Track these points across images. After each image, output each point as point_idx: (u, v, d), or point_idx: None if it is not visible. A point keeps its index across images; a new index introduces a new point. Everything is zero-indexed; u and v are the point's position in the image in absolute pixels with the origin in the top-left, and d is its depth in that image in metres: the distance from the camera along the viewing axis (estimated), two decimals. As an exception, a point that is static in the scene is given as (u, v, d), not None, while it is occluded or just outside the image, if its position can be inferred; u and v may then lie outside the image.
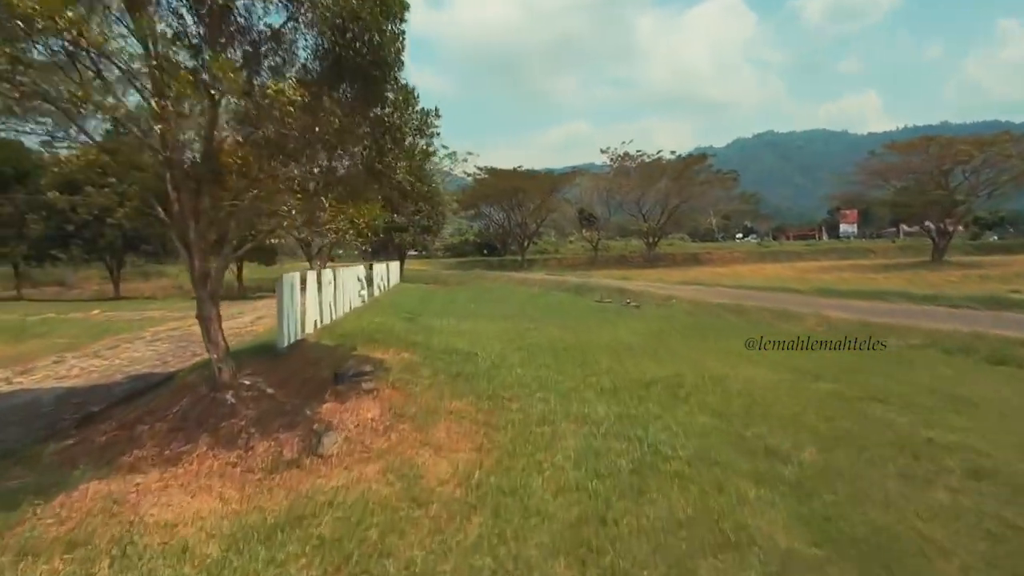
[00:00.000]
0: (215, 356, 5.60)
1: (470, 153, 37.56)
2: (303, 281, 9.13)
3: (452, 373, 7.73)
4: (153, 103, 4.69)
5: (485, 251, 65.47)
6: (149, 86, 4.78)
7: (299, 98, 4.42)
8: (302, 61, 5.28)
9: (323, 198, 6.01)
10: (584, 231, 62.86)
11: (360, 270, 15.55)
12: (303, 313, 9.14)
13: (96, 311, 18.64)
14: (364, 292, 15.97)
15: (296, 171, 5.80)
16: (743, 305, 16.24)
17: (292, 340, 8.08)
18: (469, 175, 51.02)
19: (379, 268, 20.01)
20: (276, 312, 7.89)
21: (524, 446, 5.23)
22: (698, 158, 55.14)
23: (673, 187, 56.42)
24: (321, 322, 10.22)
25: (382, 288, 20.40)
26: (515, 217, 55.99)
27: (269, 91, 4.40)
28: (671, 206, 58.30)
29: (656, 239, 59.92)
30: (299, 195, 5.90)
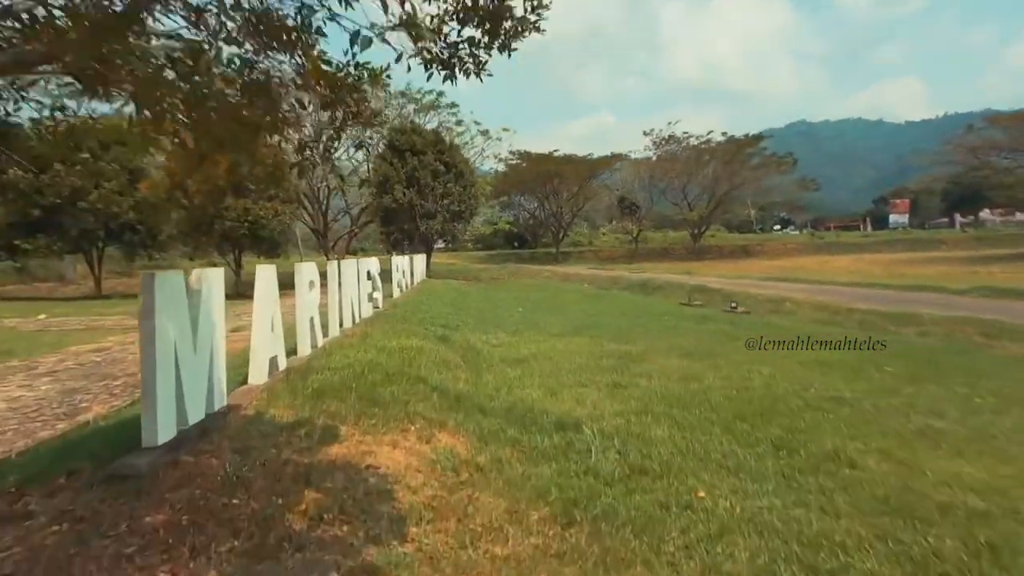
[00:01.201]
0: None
1: (505, 130, 33.13)
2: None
3: (562, 511, 3.23)
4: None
5: (515, 243, 60.94)
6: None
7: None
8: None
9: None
10: (622, 221, 57.81)
11: (371, 264, 11.19)
12: (221, 357, 4.72)
13: (42, 316, 14.64)
14: (377, 294, 11.60)
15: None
16: (918, 315, 11.36)
17: (190, 422, 3.57)
18: (500, 159, 46.47)
19: (400, 262, 15.63)
20: (141, 359, 3.27)
21: None
22: (752, 140, 49.64)
23: (723, 172, 51.05)
24: (284, 360, 5.81)
25: (403, 286, 16.05)
26: (549, 206, 51.27)
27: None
28: (720, 193, 52.93)
29: (703, 229, 54.59)
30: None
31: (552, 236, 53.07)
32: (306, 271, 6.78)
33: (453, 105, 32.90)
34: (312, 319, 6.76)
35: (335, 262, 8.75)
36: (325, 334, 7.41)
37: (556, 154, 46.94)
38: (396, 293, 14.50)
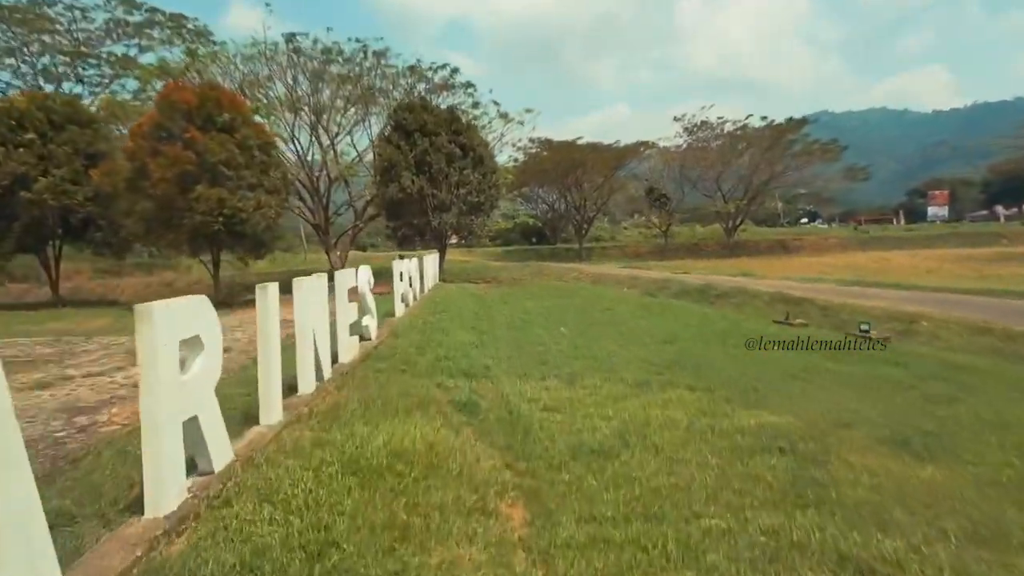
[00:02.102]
0: None
1: (528, 111, 29.22)
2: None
3: None
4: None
5: (534, 239, 57.14)
6: None
7: None
8: None
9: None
10: (650, 214, 53.69)
11: (359, 277, 7.59)
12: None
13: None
14: (369, 319, 7.97)
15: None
16: None
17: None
18: (519, 147, 42.63)
19: (405, 267, 11.97)
20: None
21: None
22: (795, 124, 45.24)
23: (761, 160, 46.80)
24: None
25: (410, 297, 12.42)
26: (572, 198, 47.33)
27: None
28: (757, 183, 48.67)
29: (738, 223, 50.38)
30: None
31: (574, 231, 49.16)
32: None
33: (469, 85, 29.16)
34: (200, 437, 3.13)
35: (303, 281, 5.12)
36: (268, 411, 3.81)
37: (580, 142, 42.98)
38: (399, 310, 10.85)
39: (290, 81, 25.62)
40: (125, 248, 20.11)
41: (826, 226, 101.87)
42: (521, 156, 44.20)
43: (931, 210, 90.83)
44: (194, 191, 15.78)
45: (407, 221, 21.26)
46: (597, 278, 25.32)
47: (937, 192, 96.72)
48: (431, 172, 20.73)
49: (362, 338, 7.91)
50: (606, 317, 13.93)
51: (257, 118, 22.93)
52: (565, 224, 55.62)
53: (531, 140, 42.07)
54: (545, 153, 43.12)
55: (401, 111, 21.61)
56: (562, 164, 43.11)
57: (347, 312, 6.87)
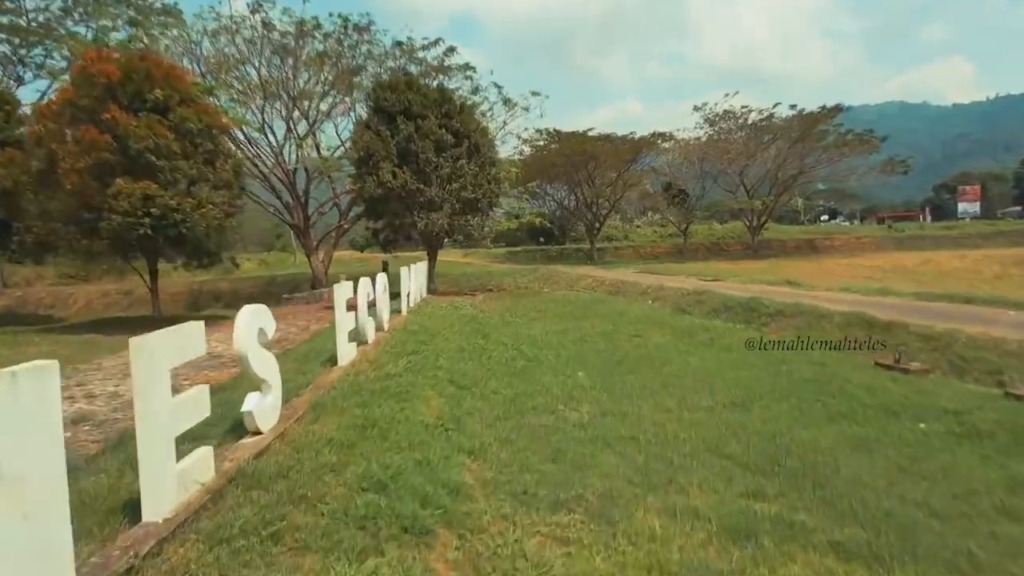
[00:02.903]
0: None
1: (535, 94, 25.64)
2: None
3: None
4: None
5: (541, 239, 53.62)
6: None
7: None
8: None
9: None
10: (668, 211, 49.95)
11: (244, 321, 4.24)
12: None
13: None
14: (256, 402, 4.57)
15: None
16: None
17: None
18: (525, 140, 39.11)
19: (362, 288, 8.47)
20: None
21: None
22: (827, 113, 41.32)
23: (790, 153, 42.98)
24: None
25: (369, 331, 8.99)
26: (583, 195, 43.68)
27: None
28: (784, 177, 44.87)
29: (763, 221, 46.58)
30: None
31: (586, 230, 45.55)
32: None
33: (468, 67, 25.67)
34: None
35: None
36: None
37: (592, 133, 39.33)
38: (346, 356, 7.43)
39: (259, 61, 22.28)
40: (40, 254, 16.81)
41: (848, 223, 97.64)
42: (528, 149, 40.73)
43: (961, 206, 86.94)
44: (111, 185, 12.46)
45: (389, 221, 17.88)
46: (616, 287, 21.81)
47: (968, 187, 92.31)
48: (418, 163, 17.30)
49: (255, 432, 4.51)
50: (638, 351, 10.46)
51: (224, 103, 19.64)
52: (575, 223, 52.08)
53: (538, 131, 38.59)
54: (554, 145, 39.51)
55: (381, 90, 18.11)
56: (572, 158, 39.49)
57: (178, 410, 3.45)
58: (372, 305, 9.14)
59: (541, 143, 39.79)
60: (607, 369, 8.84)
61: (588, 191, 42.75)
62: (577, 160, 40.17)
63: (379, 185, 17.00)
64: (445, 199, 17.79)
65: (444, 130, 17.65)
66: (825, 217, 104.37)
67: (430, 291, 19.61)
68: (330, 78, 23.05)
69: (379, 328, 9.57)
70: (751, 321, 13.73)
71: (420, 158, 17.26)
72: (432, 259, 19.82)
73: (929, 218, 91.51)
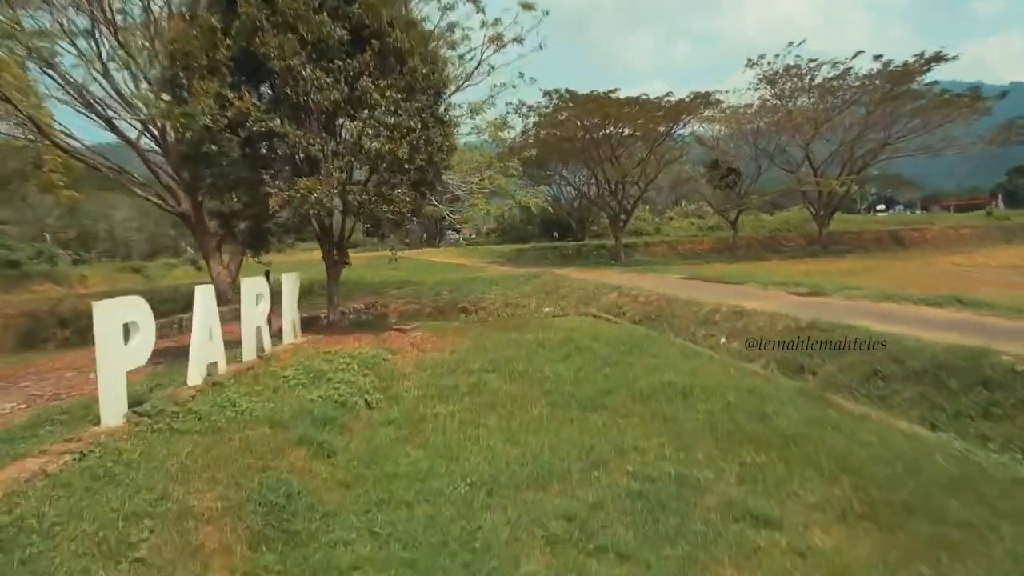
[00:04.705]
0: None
1: (527, 6, 16.69)
2: None
3: None
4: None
5: (555, 233, 44.76)
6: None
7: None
8: None
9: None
10: (709, 199, 40.61)
11: None
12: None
13: None
14: None
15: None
16: None
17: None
18: (530, 107, 30.35)
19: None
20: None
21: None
22: (920, 66, 31.66)
23: (874, 119, 33.40)
24: None
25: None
26: (604, 176, 34.61)
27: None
28: (861, 152, 35.28)
29: (835, 209, 36.99)
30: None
31: (609, 223, 36.52)
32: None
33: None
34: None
35: None
36: None
37: (615, 95, 30.22)
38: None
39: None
40: None
41: (909, 213, 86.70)
42: (533, 119, 31.96)
43: (1053, 190, 75.96)
44: None
45: (223, 198, 9.49)
46: (656, 309, 13.03)
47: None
48: (274, 82, 8.88)
49: None
50: None
51: None
52: (597, 214, 43.10)
53: (546, 93, 29.70)
54: (567, 113, 30.54)
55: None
56: (591, 129, 30.54)
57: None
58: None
59: (549, 110, 30.90)
60: None
61: (612, 170, 33.63)
62: (598, 135, 31.20)
63: (206, 127, 8.58)
64: (336, 152, 9.29)
65: (333, 21, 9.13)
66: (882, 207, 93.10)
67: (331, 318, 11.15)
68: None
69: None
70: (958, 418, 4.92)
71: (280, 72, 8.79)
72: (332, 265, 11.27)
73: (1002, 204, 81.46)
